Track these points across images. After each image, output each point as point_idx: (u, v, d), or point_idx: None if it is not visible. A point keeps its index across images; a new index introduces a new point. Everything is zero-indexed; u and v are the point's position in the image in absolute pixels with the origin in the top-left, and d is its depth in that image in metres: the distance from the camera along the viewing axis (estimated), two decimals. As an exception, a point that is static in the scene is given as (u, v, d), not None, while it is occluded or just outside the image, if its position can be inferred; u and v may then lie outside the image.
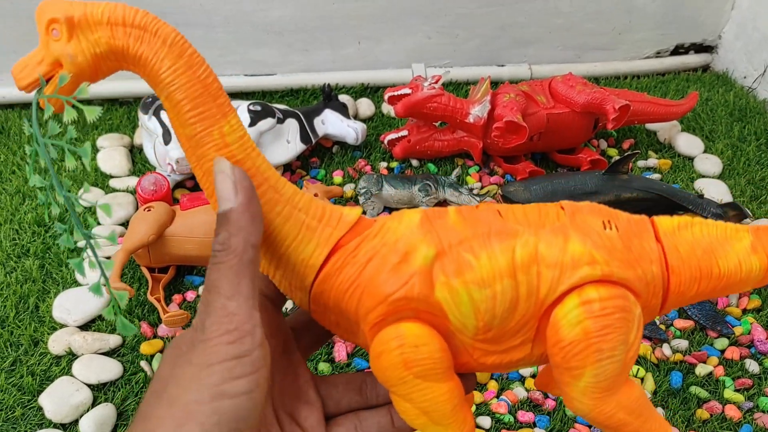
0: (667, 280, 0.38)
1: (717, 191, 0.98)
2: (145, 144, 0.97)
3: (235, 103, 0.96)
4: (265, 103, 0.96)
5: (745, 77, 1.25)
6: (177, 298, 0.82)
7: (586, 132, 1.00)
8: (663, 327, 0.79)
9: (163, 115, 0.91)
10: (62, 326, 0.78)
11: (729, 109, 1.17)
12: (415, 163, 1.03)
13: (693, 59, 1.31)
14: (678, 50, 1.32)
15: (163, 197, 0.84)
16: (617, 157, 0.91)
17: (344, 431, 0.39)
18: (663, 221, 0.39)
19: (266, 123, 0.93)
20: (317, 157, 1.04)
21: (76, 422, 0.69)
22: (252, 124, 0.92)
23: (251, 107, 0.94)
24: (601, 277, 0.35)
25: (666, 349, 0.77)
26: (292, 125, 0.98)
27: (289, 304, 0.78)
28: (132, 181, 0.96)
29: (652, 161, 1.04)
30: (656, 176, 1.01)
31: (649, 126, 1.11)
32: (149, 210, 0.80)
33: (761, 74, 1.21)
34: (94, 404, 0.70)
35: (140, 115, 0.94)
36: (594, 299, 0.35)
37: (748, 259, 0.38)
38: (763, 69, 1.21)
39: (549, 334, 0.36)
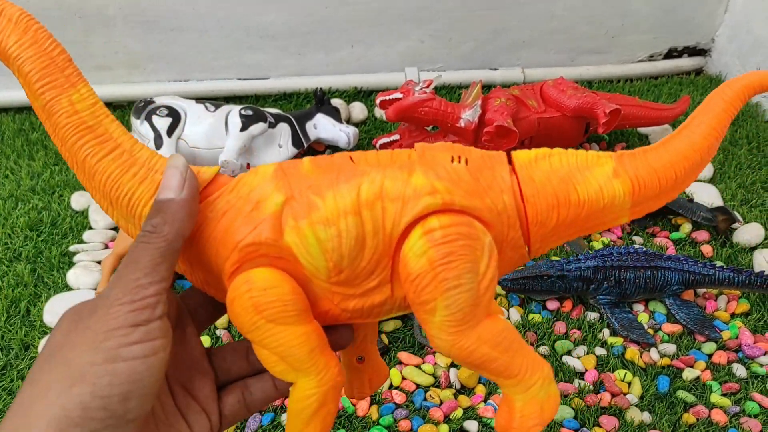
0: (524, 211, 0.38)
1: (707, 195, 0.98)
2: (138, 148, 0.97)
3: (227, 107, 0.96)
4: (257, 107, 0.97)
5: (738, 80, 1.25)
6: (167, 302, 0.82)
7: (578, 136, 1.01)
8: (651, 331, 0.80)
9: (155, 119, 0.91)
10: (53, 330, 0.78)
11: (721, 112, 1.17)
12: (407, 167, 1.03)
13: (686, 62, 1.31)
14: (671, 53, 1.32)
15: (153, 202, 0.84)
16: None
17: (233, 399, 0.40)
18: (520, 154, 0.39)
19: (258, 127, 0.93)
20: (309, 161, 1.04)
21: (65, 426, 0.69)
22: (243, 128, 0.92)
23: (243, 111, 0.94)
24: (441, 206, 0.35)
25: (654, 354, 0.77)
26: (284, 129, 0.98)
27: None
28: (124, 186, 0.97)
29: (644, 165, 1.04)
30: (647, 180, 1.01)
31: (641, 130, 1.12)
32: (139, 215, 0.80)
33: (754, 78, 1.21)
34: (83, 408, 0.71)
35: (132, 119, 0.94)
36: (435, 228, 0.35)
37: (610, 184, 0.38)
38: (756, 72, 1.21)
39: (401, 271, 0.36)
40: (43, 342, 0.76)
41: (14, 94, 1.10)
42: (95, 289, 0.81)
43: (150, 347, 0.31)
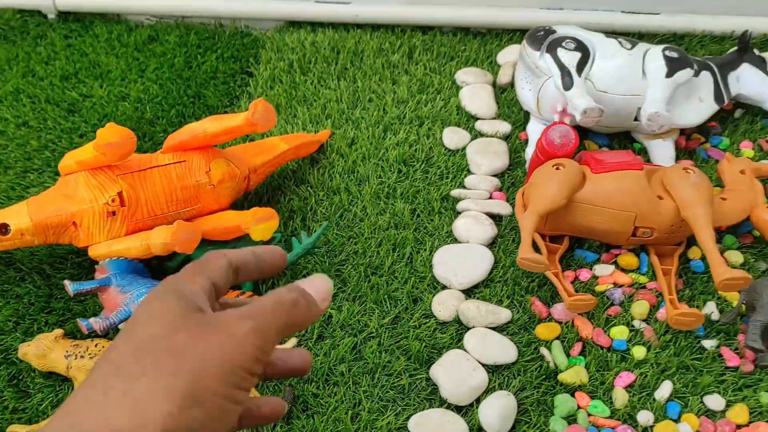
0: None
1: None
2: (521, 83, 0.83)
3: (643, 45, 0.79)
4: (681, 49, 0.79)
5: None
6: (569, 274, 0.69)
7: None
8: None
9: (561, 53, 0.76)
10: (444, 287, 0.68)
11: None
12: None
13: None
14: None
15: (568, 154, 0.70)
16: None
17: None
18: None
19: (684, 74, 0.76)
20: (716, 120, 0.84)
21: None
22: (669, 74, 0.75)
23: (667, 53, 0.76)
24: None
25: None
26: (706, 80, 0.79)
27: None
28: (502, 126, 0.84)
29: None
30: None
31: None
32: (559, 168, 0.67)
33: None
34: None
35: (528, 50, 0.80)
36: None
37: None
38: None
39: None
40: (437, 299, 0.66)
41: (375, 9, 1.01)
42: (487, 245, 0.70)
43: (245, 396, 0.29)
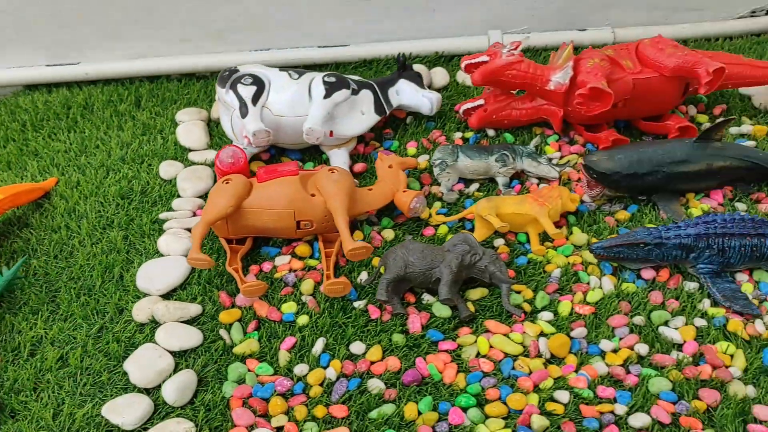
0: None
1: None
2: (222, 117, 0.98)
3: (310, 74, 0.95)
4: (340, 74, 0.96)
5: None
6: (254, 268, 0.83)
7: (675, 98, 0.95)
8: (756, 302, 0.75)
9: (240, 88, 0.91)
10: (145, 295, 0.80)
11: (833, 70, 1.08)
12: (491, 132, 1.00)
13: (793, 18, 1.22)
14: (776, 8, 1.22)
15: (240, 170, 0.85)
16: (708, 124, 0.85)
17: None
18: None
19: (341, 94, 0.92)
20: (390, 128, 1.02)
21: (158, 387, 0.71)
22: (327, 95, 0.91)
23: (326, 78, 0.93)
24: None
25: (759, 326, 0.73)
26: (366, 96, 0.97)
27: (363, 276, 0.78)
28: (210, 155, 0.98)
29: (746, 128, 0.97)
30: (750, 143, 0.95)
31: (743, 90, 1.04)
32: (228, 182, 0.81)
33: None
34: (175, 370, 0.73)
35: (218, 89, 0.94)
36: None
37: None
38: None
39: None
40: (136, 306, 0.78)
41: (103, 67, 1.12)
42: (185, 256, 0.82)
43: None
